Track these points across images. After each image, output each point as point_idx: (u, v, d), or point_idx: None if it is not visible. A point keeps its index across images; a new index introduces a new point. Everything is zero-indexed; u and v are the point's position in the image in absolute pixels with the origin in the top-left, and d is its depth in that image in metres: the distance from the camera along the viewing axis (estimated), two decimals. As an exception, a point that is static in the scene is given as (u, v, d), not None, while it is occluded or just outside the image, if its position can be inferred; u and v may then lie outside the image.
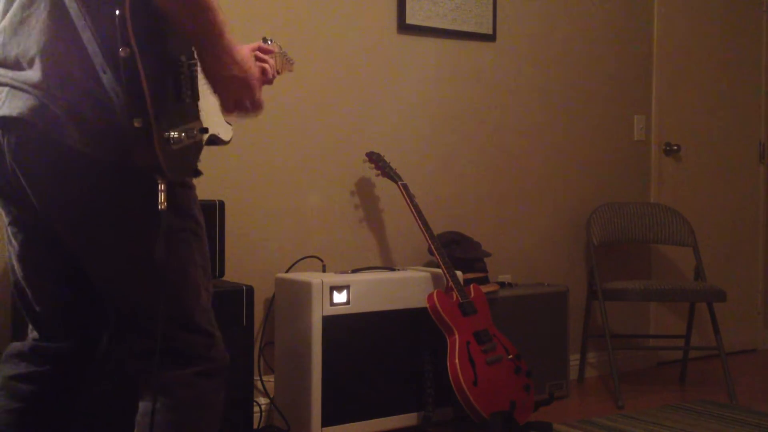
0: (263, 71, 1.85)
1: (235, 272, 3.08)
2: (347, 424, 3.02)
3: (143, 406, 1.65)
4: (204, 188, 3.07)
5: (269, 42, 1.98)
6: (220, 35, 1.54)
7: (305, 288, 2.98)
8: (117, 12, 1.39)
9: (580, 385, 4.02)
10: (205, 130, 1.62)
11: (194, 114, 1.59)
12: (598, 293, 3.88)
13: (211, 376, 1.69)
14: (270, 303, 3.24)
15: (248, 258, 3.23)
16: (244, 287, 2.80)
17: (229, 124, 1.88)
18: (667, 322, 4.47)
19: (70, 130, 1.49)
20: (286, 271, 3.26)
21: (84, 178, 1.54)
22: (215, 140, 1.81)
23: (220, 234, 2.81)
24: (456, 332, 3.06)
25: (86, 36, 1.48)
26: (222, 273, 2.83)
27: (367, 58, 3.55)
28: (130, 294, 1.65)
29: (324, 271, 3.28)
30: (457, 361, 3.00)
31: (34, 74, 1.51)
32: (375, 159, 3.41)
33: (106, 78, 1.47)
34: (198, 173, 1.65)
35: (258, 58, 1.87)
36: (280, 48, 2.08)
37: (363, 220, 3.55)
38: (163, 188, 1.52)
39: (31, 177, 1.56)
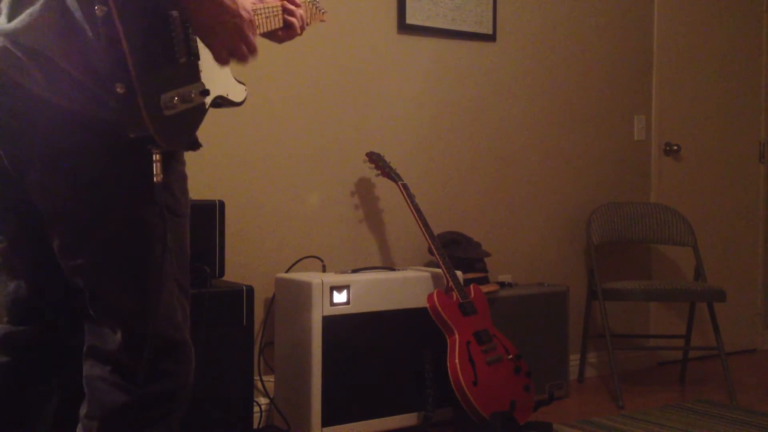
0: (290, 24, 1.71)
1: (235, 272, 3.08)
2: (347, 424, 3.02)
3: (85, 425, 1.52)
4: (204, 188, 3.09)
5: None
6: None
7: (305, 288, 2.98)
8: None
9: (580, 385, 4.02)
10: (207, 92, 1.48)
11: (192, 75, 1.45)
12: (598, 293, 3.88)
13: (168, 400, 1.53)
14: (270, 303, 3.24)
15: (248, 258, 3.23)
16: (244, 287, 2.80)
17: (242, 83, 1.71)
18: (667, 322, 4.47)
19: (34, 73, 1.37)
20: (286, 271, 3.26)
21: (53, 132, 1.41)
22: (224, 102, 1.64)
23: (220, 234, 2.81)
24: (456, 332, 3.06)
25: None
26: (222, 273, 2.83)
27: (367, 58, 3.55)
28: (96, 278, 1.50)
29: (324, 271, 3.28)
30: (457, 361, 3.00)
31: (1, 20, 1.39)
32: (375, 159, 3.41)
33: (85, 39, 1.34)
34: (197, 145, 1.51)
35: (286, 10, 1.73)
36: None
37: (363, 220, 3.55)
38: (157, 158, 1.39)
39: None
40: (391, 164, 3.41)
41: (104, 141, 1.41)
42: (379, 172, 3.41)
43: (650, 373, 4.31)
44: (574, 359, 4.01)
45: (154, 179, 1.39)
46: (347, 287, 3.02)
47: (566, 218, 4.15)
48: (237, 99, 1.69)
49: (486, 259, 3.62)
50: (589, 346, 4.13)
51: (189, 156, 1.65)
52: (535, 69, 4.04)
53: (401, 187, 3.35)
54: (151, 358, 1.50)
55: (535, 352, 3.51)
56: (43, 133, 1.42)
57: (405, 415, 3.14)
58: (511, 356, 3.19)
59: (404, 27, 3.61)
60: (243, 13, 1.47)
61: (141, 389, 1.50)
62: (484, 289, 3.36)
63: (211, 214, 2.80)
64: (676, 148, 4.50)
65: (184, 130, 1.46)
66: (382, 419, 3.09)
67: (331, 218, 3.47)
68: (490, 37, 3.86)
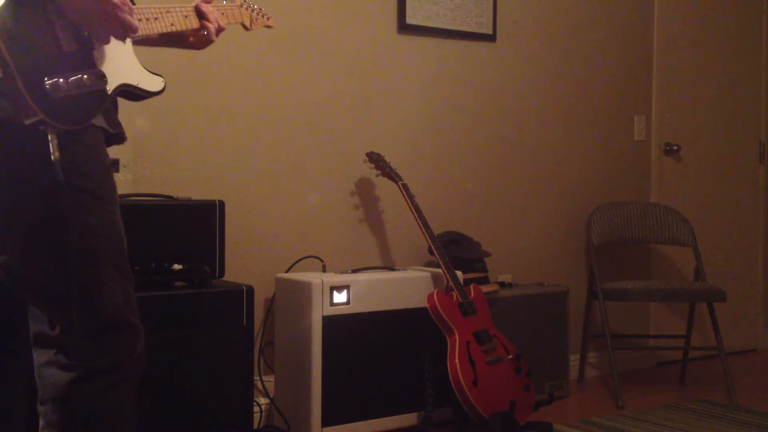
0: (204, 27, 1.80)
1: (235, 272, 3.07)
2: (347, 424, 3.02)
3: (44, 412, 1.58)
4: (204, 188, 3.09)
5: None
6: None
7: (305, 288, 2.98)
8: None
9: (580, 385, 4.02)
10: (102, 77, 1.57)
11: (84, 61, 1.55)
12: (598, 293, 3.88)
13: (107, 376, 1.59)
14: (270, 303, 3.24)
15: (248, 258, 3.23)
16: (244, 287, 2.80)
17: (158, 75, 1.80)
18: (667, 322, 4.47)
19: None
20: (286, 271, 3.26)
21: None
22: (136, 91, 1.73)
23: (220, 234, 2.81)
24: (456, 332, 3.06)
25: None
26: (222, 273, 2.83)
27: (367, 58, 3.55)
28: (23, 268, 1.57)
29: (324, 271, 3.27)
30: (457, 361, 3.00)
31: None
32: (375, 159, 3.41)
33: None
34: (122, 138, 1.61)
35: (199, 13, 1.82)
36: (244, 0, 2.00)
37: (363, 220, 3.55)
38: (52, 138, 1.47)
39: None
40: (391, 164, 3.41)
41: (8, 137, 1.49)
42: (379, 172, 3.41)
43: (650, 373, 4.31)
44: (574, 359, 4.01)
45: (51, 157, 1.47)
46: (347, 287, 3.02)
47: (566, 218, 4.15)
48: (151, 88, 1.76)
49: (486, 259, 3.62)
50: (589, 346, 4.13)
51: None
52: (535, 69, 4.04)
53: (401, 187, 3.35)
54: (90, 336, 1.57)
55: (535, 352, 3.51)
56: None
57: (405, 415, 3.14)
58: (511, 356, 3.19)
59: (404, 27, 3.61)
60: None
61: (83, 365, 1.57)
62: (484, 289, 3.36)
63: (211, 214, 2.80)
64: (676, 148, 4.50)
65: (79, 112, 1.53)
66: (382, 419, 3.09)
67: (331, 218, 3.47)
68: (490, 37, 3.86)
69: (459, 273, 3.25)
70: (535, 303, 3.64)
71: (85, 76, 1.51)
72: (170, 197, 2.80)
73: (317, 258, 3.34)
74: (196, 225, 2.76)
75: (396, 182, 3.37)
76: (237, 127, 3.25)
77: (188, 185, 3.06)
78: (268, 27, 2.19)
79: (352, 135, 3.51)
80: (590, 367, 4.18)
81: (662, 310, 4.49)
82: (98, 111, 1.58)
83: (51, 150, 1.46)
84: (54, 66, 1.47)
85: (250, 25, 2.05)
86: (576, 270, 4.16)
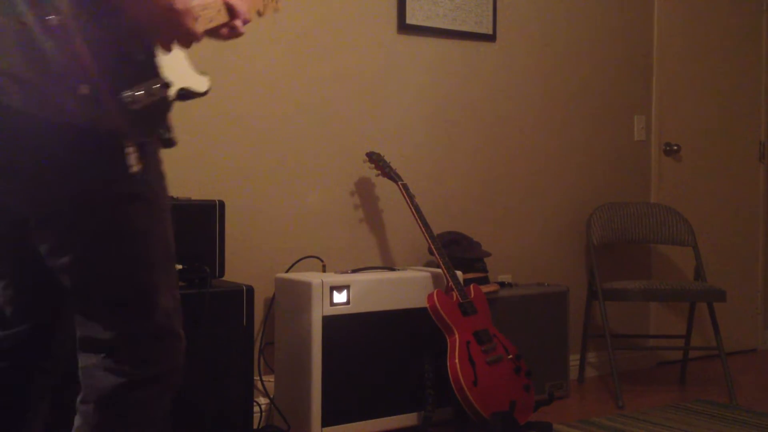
0: (233, 11, 1.77)
1: (235, 272, 3.07)
2: (347, 424, 3.02)
3: (84, 411, 1.59)
4: (204, 188, 3.09)
5: None
6: None
7: (305, 288, 2.98)
8: None
9: (580, 385, 4.02)
10: (168, 85, 1.56)
11: (152, 70, 1.54)
12: (598, 293, 3.88)
13: (153, 385, 1.60)
14: (270, 303, 3.24)
15: (248, 258, 3.23)
16: (244, 287, 2.80)
17: (204, 74, 1.79)
18: (667, 322, 4.47)
19: (9, 89, 1.45)
20: (286, 271, 3.26)
21: (34, 142, 1.48)
22: (188, 94, 1.73)
23: (220, 234, 2.81)
24: (456, 332, 3.06)
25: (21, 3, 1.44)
26: (222, 273, 2.83)
27: (367, 58, 3.55)
28: (85, 273, 1.57)
29: (324, 271, 3.27)
30: (457, 361, 3.00)
31: None
32: (375, 159, 3.41)
33: (47, 45, 1.42)
34: (173, 143, 1.59)
35: (229, 7, 1.78)
36: None
37: (363, 220, 3.55)
38: (131, 151, 1.48)
39: None
40: (390, 164, 3.41)
41: (81, 142, 1.48)
42: (379, 172, 3.41)
43: (650, 373, 4.31)
44: (574, 359, 4.01)
45: (131, 170, 1.48)
46: (347, 287, 3.02)
47: (566, 218, 4.15)
48: (200, 89, 1.77)
49: (486, 259, 3.62)
50: (589, 346, 4.13)
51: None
52: (535, 69, 4.04)
53: (401, 187, 3.35)
54: (142, 343, 1.58)
55: (535, 352, 3.51)
56: (24, 145, 1.49)
57: (405, 415, 3.14)
58: (511, 356, 3.19)
59: (404, 27, 3.61)
60: (177, 5, 1.54)
61: (133, 372, 1.58)
62: (484, 289, 3.36)
63: (211, 214, 2.80)
64: (676, 148, 4.50)
65: (153, 122, 1.54)
66: (382, 419, 3.09)
67: (331, 218, 3.47)
68: (490, 37, 3.86)
69: (459, 273, 3.25)
70: (535, 303, 3.64)
71: (156, 86, 1.51)
72: (170, 197, 2.80)
73: (317, 258, 3.34)
74: (196, 225, 2.76)
75: (396, 182, 3.37)
76: (237, 127, 3.25)
77: (188, 185, 3.06)
78: (276, 11, 2.16)
79: (352, 135, 3.51)
80: (590, 367, 4.18)
81: (662, 310, 4.49)
82: (165, 119, 1.58)
83: (131, 163, 1.48)
84: (130, 77, 1.47)
85: (263, 11, 2.02)
86: (576, 270, 4.16)
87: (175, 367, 1.65)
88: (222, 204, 2.84)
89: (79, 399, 1.61)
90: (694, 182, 4.61)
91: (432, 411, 3.12)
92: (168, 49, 1.60)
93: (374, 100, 3.57)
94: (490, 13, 3.84)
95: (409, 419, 3.15)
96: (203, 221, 2.77)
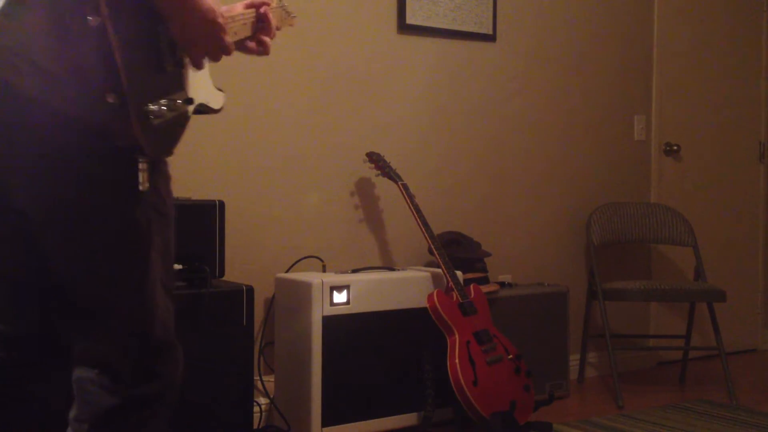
0: (261, 39, 1.74)
1: (235, 272, 3.07)
2: (347, 424, 3.02)
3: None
4: (204, 188, 3.09)
5: None
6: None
7: (305, 288, 2.98)
8: None
9: (580, 385, 4.02)
10: (190, 101, 1.50)
11: (179, 83, 1.47)
12: (598, 293, 3.88)
13: (157, 400, 1.55)
14: (270, 303, 3.24)
15: (248, 258, 3.23)
16: (244, 287, 2.80)
17: (220, 90, 1.72)
18: (667, 322, 4.47)
19: (25, 71, 1.39)
20: (286, 271, 3.26)
21: (44, 132, 1.41)
22: (204, 110, 1.66)
23: (220, 234, 2.81)
24: (456, 332, 3.06)
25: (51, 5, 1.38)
26: (222, 273, 2.83)
27: (367, 58, 3.55)
28: (86, 281, 1.51)
29: (324, 271, 3.27)
30: (457, 361, 3.00)
31: None
32: (375, 159, 3.41)
33: (83, 45, 1.36)
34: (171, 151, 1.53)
35: (260, 18, 1.76)
36: (279, 1, 1.92)
37: (363, 220, 3.55)
38: (143, 167, 1.41)
39: None
40: (391, 164, 3.41)
41: (93, 144, 1.42)
42: (379, 172, 3.41)
43: (650, 373, 4.31)
44: (574, 359, 4.01)
45: (140, 188, 1.42)
46: (347, 287, 3.02)
47: (566, 218, 4.15)
48: (216, 106, 1.71)
49: (486, 259, 3.62)
50: (589, 346, 4.13)
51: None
52: (535, 69, 4.04)
53: (401, 187, 3.35)
54: (140, 359, 1.52)
55: (535, 352, 3.51)
56: (33, 134, 1.43)
57: (405, 415, 3.14)
58: (511, 356, 3.19)
59: (404, 27, 3.61)
60: (220, 20, 1.51)
61: (129, 391, 1.51)
62: (484, 289, 3.36)
63: (211, 214, 2.80)
64: (676, 148, 4.50)
65: (169, 139, 1.48)
66: (382, 419, 3.09)
67: (331, 218, 3.47)
68: (490, 37, 3.86)
69: (459, 273, 3.25)
70: (535, 303, 3.63)
71: (180, 101, 1.45)
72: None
73: (317, 258, 3.34)
74: (196, 225, 2.76)
75: (396, 182, 3.37)
76: (237, 127, 3.24)
77: (188, 185, 3.06)
78: (291, 26, 2.13)
79: (352, 135, 3.51)
80: (590, 367, 4.18)
81: (662, 310, 4.49)
82: (181, 135, 1.51)
83: (140, 180, 1.42)
84: (157, 90, 1.40)
85: (280, 25, 1.95)
86: (576, 270, 4.16)
87: (173, 383, 1.59)
88: (222, 204, 2.84)
89: (72, 414, 1.54)
90: (694, 182, 4.61)
91: (432, 411, 3.12)
92: (199, 66, 1.54)
93: (374, 100, 3.57)
94: (490, 13, 3.84)
95: (408, 419, 3.15)
96: (203, 221, 2.77)
